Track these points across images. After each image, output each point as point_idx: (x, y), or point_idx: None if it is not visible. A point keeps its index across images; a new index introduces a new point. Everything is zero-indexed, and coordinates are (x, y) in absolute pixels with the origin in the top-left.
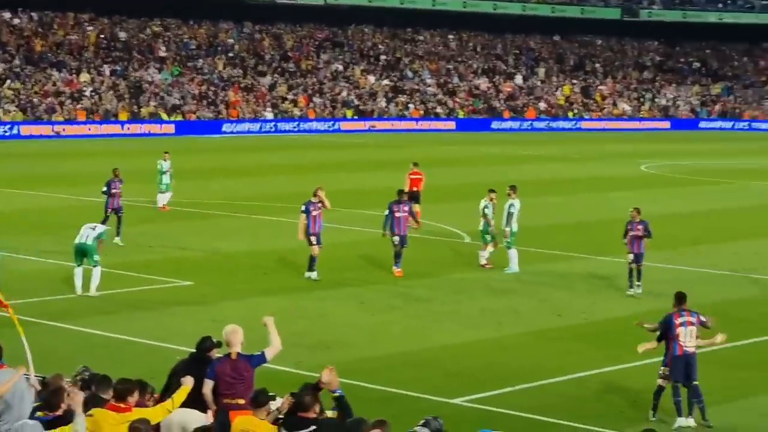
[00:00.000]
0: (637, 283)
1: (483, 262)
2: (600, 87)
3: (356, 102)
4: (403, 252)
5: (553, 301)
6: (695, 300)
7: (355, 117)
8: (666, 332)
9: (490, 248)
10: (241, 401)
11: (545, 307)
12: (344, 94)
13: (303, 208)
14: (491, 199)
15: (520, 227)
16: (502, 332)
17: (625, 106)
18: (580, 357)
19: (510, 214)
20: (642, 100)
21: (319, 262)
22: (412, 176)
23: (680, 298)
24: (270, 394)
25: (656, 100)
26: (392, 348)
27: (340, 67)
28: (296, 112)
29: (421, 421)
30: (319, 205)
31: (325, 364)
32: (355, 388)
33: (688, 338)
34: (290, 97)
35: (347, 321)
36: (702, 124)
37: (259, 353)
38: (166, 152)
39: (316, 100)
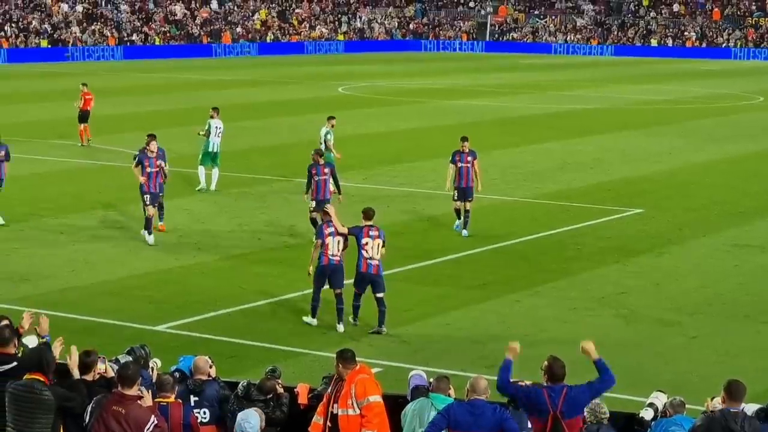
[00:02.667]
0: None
1: None
2: (297, 11)
3: (50, 31)
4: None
5: (253, 224)
6: (392, 218)
7: (50, 46)
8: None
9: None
10: None
11: (245, 231)
12: (36, 23)
13: (136, 158)
14: (332, 126)
15: (222, 150)
16: (202, 258)
17: (322, 29)
18: (280, 280)
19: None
20: (338, 23)
21: (11, 194)
22: (85, 96)
23: (367, 214)
24: None
25: (352, 22)
26: (93, 277)
27: None
28: None
29: (126, 350)
30: (156, 161)
31: (26, 296)
32: (58, 319)
33: (374, 252)
34: None
35: (47, 252)
36: (397, 45)
37: None
38: None
39: (8, 29)
